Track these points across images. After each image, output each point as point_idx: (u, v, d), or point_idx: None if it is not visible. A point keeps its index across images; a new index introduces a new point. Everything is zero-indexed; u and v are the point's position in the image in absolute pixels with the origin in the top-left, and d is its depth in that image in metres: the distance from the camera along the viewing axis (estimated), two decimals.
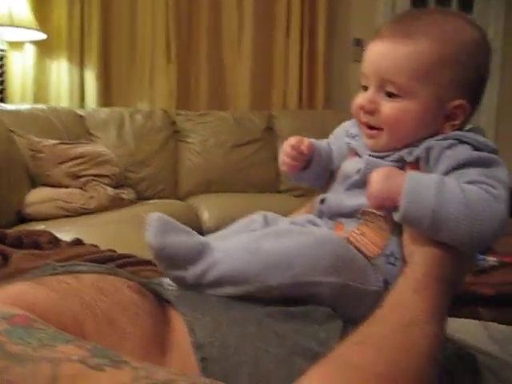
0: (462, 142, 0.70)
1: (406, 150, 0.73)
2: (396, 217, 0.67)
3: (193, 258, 0.69)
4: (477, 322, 1.02)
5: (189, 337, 0.61)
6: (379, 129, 0.74)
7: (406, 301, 0.62)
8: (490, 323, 1.02)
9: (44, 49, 3.28)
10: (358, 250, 0.73)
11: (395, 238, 0.71)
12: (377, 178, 0.68)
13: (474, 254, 0.75)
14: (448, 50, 0.70)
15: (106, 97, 3.46)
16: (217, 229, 0.86)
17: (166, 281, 0.76)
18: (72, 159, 2.68)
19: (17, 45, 3.20)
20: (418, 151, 0.71)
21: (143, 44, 3.50)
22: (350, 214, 0.76)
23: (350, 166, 0.79)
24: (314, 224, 0.79)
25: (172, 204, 3.00)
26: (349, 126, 0.84)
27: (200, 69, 3.64)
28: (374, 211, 0.72)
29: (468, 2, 4.22)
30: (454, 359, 0.77)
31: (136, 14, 3.47)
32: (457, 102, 0.72)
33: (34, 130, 2.75)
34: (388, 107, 0.72)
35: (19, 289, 0.56)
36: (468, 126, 0.73)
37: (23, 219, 2.46)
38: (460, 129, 0.73)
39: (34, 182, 2.63)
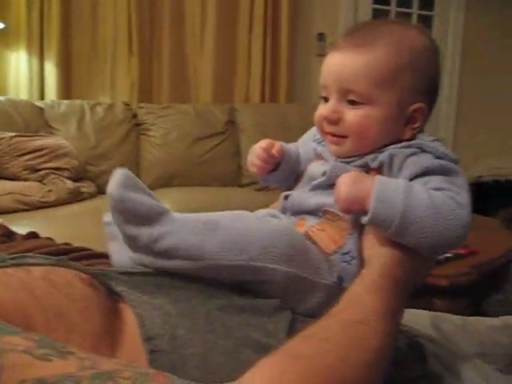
0: (423, 150, 0.72)
1: (370, 156, 0.74)
2: (364, 220, 0.68)
3: (150, 218, 0.67)
4: (427, 312, 1.05)
5: (139, 329, 0.61)
6: (343, 136, 0.75)
7: (360, 300, 0.64)
8: (440, 313, 1.05)
9: (2, 38, 3.21)
10: (316, 244, 0.74)
11: (354, 238, 0.73)
12: (345, 182, 0.69)
13: (436, 258, 0.77)
14: (404, 57, 0.73)
15: (67, 89, 3.39)
16: None
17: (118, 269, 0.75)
18: (30, 152, 2.64)
19: None
20: (382, 157, 0.73)
21: (105, 35, 3.44)
22: (313, 212, 0.77)
23: (316, 169, 0.80)
24: (276, 217, 0.81)
25: None
26: (316, 131, 0.85)
27: (162, 62, 3.60)
28: (336, 211, 0.74)
29: (429, 1, 4.30)
30: (404, 349, 0.80)
31: (98, 4, 3.41)
32: (416, 106, 0.74)
33: None
34: (351, 115, 0.74)
35: None
36: (431, 137, 0.75)
37: None
38: (420, 131, 0.76)
39: None
